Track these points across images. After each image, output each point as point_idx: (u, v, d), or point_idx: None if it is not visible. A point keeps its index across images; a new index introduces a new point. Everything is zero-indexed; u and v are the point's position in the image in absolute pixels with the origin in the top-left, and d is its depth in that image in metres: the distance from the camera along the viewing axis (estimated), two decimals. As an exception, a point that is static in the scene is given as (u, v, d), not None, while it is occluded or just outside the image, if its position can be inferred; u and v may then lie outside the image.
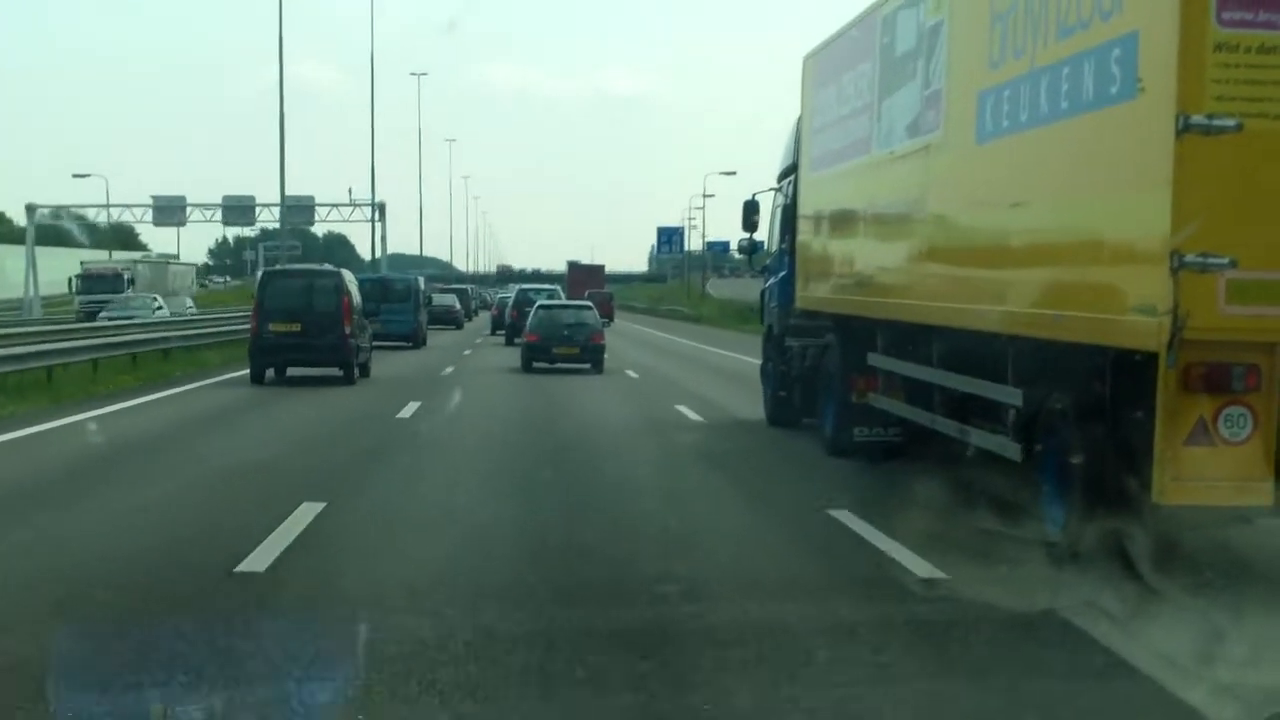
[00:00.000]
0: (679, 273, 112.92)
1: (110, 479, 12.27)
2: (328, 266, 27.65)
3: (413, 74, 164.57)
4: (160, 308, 46.63)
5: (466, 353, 36.59)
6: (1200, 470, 7.32)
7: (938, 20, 10.81)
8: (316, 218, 77.19)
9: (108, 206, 75.56)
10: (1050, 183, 8.87)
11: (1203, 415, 7.35)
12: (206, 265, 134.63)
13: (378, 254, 70.19)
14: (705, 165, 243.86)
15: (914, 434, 12.48)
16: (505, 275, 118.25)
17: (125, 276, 60.69)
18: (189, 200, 73.18)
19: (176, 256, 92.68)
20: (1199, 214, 7.15)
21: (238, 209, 74.02)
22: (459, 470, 13.35)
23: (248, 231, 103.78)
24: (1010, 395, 9.62)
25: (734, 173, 76.24)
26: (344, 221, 74.92)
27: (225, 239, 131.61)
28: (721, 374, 28.21)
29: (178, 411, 18.83)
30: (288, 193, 62.31)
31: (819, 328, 14.97)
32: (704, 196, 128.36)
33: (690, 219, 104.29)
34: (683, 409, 19.24)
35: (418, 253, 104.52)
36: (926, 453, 11.93)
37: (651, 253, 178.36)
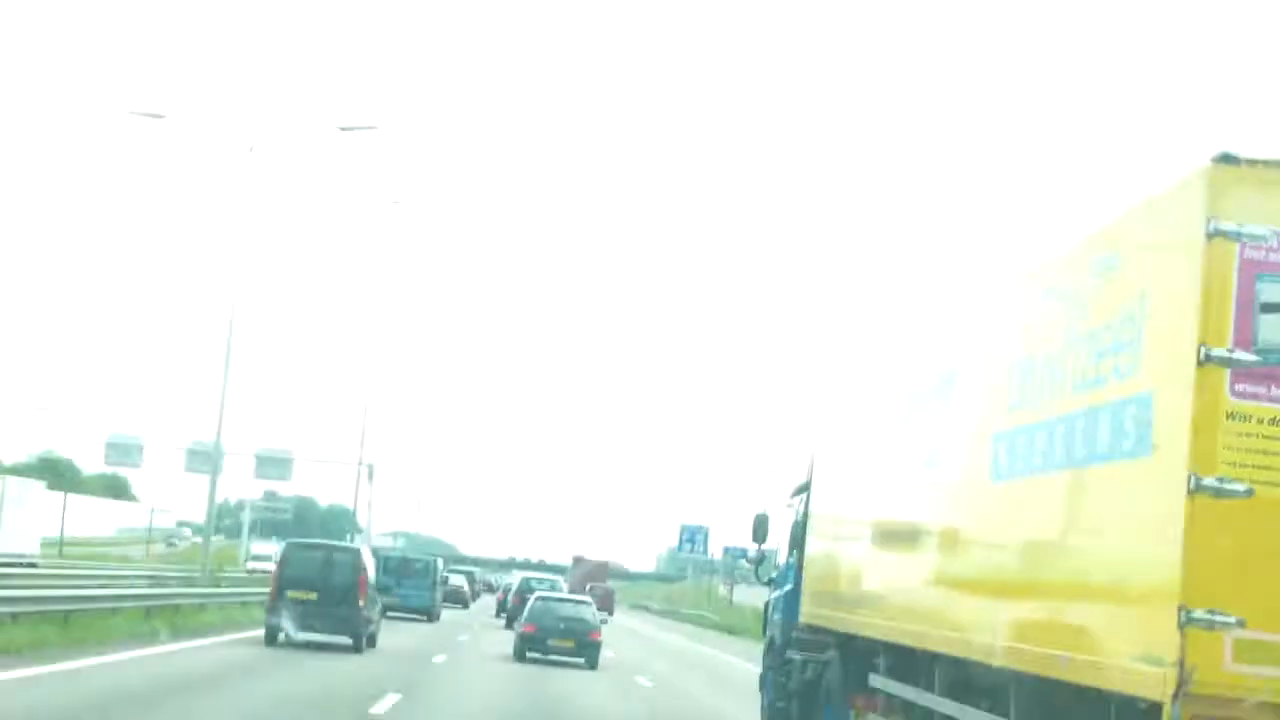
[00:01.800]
0: (690, 573, 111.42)
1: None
2: (347, 544, 30.95)
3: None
4: None
5: (463, 638, 36.97)
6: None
7: (955, 366, 11.32)
8: (295, 473, 71.54)
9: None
10: (1063, 526, 9.18)
11: (1207, 772, 7.48)
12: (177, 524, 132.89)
13: (363, 522, 67.94)
14: (715, 470, 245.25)
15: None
16: (511, 562, 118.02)
17: None
18: (143, 442, 67.58)
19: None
20: (1208, 571, 7.45)
21: (201, 455, 65.40)
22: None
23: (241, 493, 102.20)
24: (1013, 732, 9.73)
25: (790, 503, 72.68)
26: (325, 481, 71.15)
27: (227, 501, 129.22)
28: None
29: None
30: (266, 445, 61.83)
31: (822, 643, 15.09)
32: (720, 503, 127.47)
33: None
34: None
35: (416, 530, 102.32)
36: None
37: (662, 553, 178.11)
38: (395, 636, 31.24)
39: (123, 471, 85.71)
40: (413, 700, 16.90)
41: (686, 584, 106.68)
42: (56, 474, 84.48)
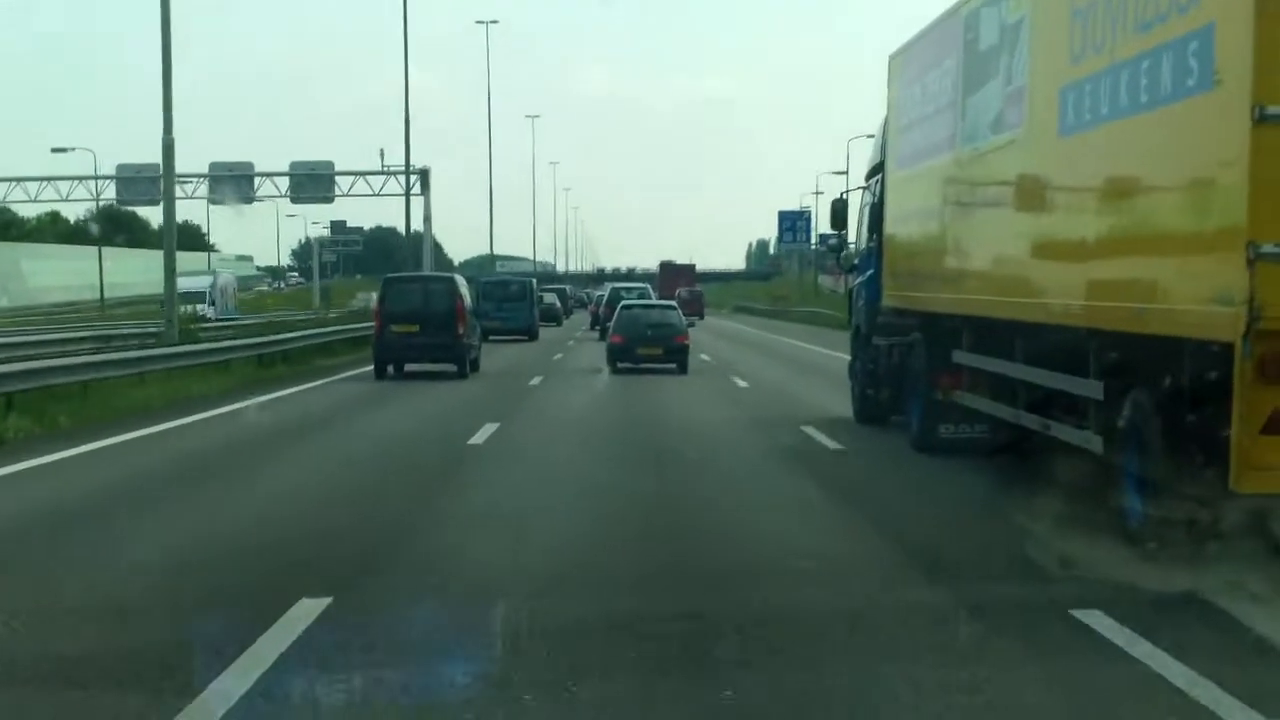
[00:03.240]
0: (790, 267, 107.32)
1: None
2: (443, 274, 31.40)
3: (479, 21, 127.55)
4: None
5: (569, 343, 38.89)
6: (1277, 458, 7.35)
7: (1019, 16, 10.87)
8: (338, 190, 58.99)
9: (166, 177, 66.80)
10: (1131, 177, 8.92)
11: (1278, 405, 7.37)
12: (287, 267, 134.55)
13: (417, 232, 54.07)
14: (803, 164, 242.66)
15: (1001, 430, 12.53)
16: (600, 275, 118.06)
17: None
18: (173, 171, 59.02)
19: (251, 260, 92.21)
20: (1275, 204, 7.19)
21: (231, 180, 57.00)
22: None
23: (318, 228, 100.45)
24: (1092, 389, 9.68)
25: (844, 172, 71.39)
26: (374, 195, 57.42)
27: (306, 239, 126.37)
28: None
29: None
30: (301, 158, 56.34)
31: (905, 325, 15.03)
32: (814, 194, 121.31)
33: (804, 207, 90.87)
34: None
35: (486, 251, 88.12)
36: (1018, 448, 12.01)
37: (749, 250, 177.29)
38: (496, 360, 31.77)
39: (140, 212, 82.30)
40: (509, 428, 16.42)
41: (789, 278, 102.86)
42: (120, 228, 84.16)
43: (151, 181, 50.62)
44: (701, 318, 64.22)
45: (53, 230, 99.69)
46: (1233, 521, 7.66)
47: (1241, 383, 7.36)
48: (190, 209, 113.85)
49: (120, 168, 57.56)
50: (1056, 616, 7.03)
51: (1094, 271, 9.53)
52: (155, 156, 31.53)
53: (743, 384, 25.05)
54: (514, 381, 25.73)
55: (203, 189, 57.79)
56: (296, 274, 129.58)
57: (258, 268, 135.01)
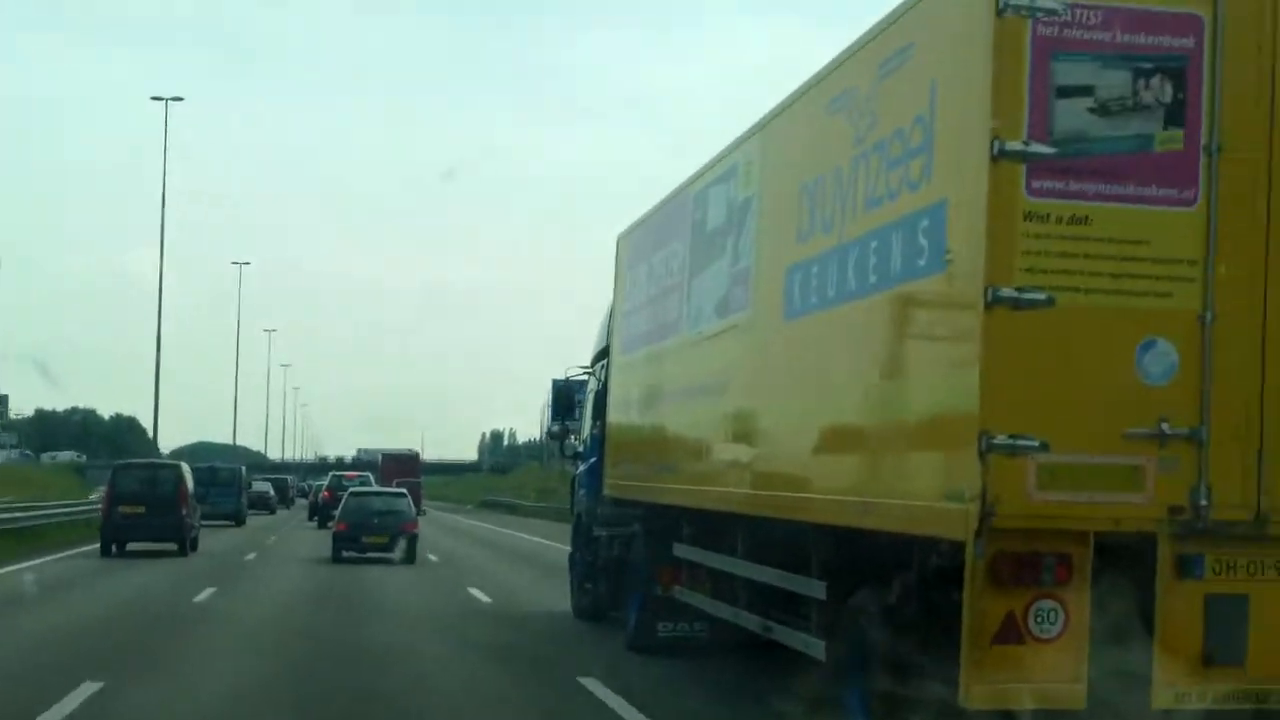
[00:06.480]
0: (519, 460, 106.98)
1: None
2: (170, 461, 36.40)
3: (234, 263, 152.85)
4: None
5: (271, 540, 37.66)
6: (1009, 671, 6.74)
7: (749, 194, 10.43)
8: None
9: None
10: (859, 362, 8.40)
11: (1012, 610, 6.78)
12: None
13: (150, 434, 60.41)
14: (544, 352, 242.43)
15: (724, 629, 11.86)
16: (323, 464, 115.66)
17: None
18: None
19: None
20: (1009, 392, 6.69)
21: None
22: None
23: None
24: (814, 589, 9.07)
25: (590, 370, 69.16)
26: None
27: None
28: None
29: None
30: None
31: (626, 516, 14.36)
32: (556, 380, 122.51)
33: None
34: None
35: (229, 441, 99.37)
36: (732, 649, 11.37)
37: (483, 440, 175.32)
38: (212, 541, 33.41)
39: None
40: (227, 591, 20.01)
41: (518, 473, 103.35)
42: None
43: None
44: (420, 510, 61.25)
45: None
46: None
47: (972, 587, 6.76)
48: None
49: None
50: None
51: (818, 463, 8.98)
52: None
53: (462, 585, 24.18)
54: (231, 558, 28.48)
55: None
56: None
57: None
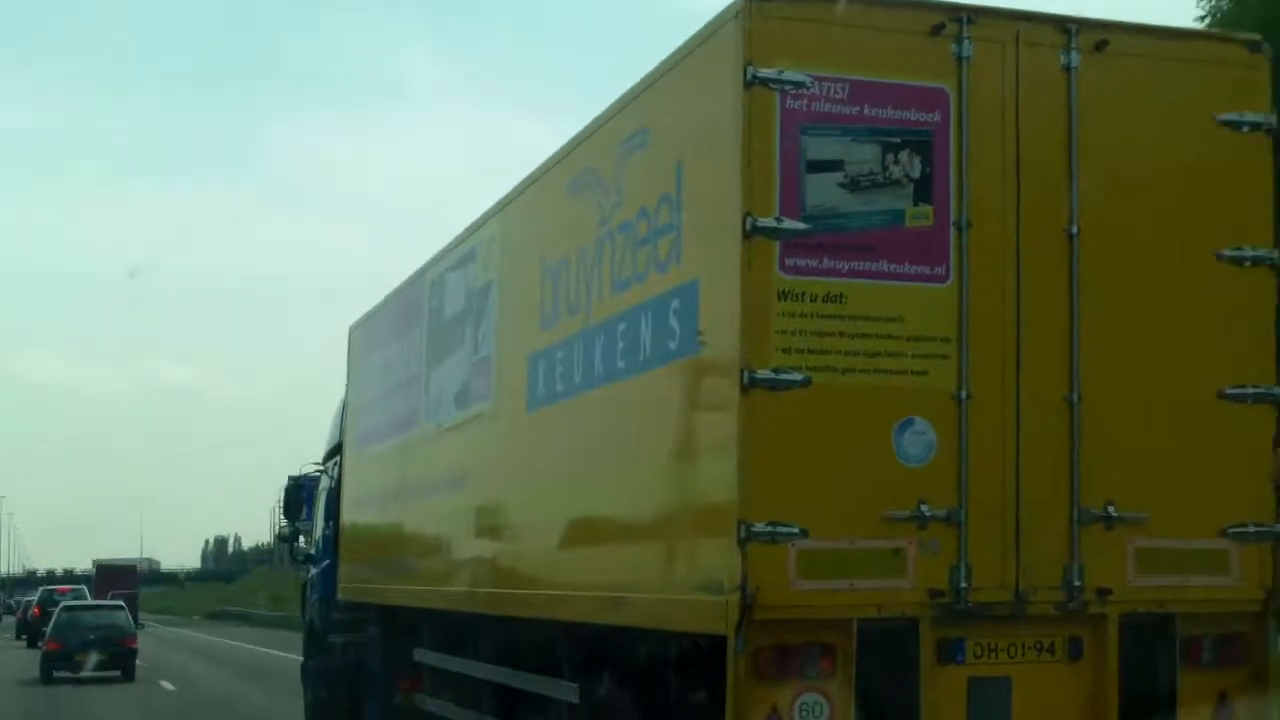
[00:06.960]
0: (241, 570, 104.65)
1: None
2: None
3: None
4: None
5: None
6: (777, 770, 6.43)
7: (488, 280, 10.06)
8: None
9: None
10: (608, 451, 8.07)
11: (776, 705, 6.49)
12: None
13: None
14: (268, 454, 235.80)
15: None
16: (32, 578, 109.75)
17: None
18: None
19: None
20: (768, 478, 6.43)
21: None
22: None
23: None
24: (566, 691, 8.61)
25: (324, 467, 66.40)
26: None
27: None
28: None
29: None
30: None
31: (363, 621, 13.70)
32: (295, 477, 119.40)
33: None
34: None
35: None
36: None
37: (206, 547, 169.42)
38: None
39: None
40: None
41: (244, 581, 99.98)
42: None
43: None
44: (136, 624, 58.45)
45: None
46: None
47: (734, 681, 6.44)
48: None
49: None
50: None
51: (567, 558, 8.60)
52: None
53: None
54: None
55: None
56: None
57: None
